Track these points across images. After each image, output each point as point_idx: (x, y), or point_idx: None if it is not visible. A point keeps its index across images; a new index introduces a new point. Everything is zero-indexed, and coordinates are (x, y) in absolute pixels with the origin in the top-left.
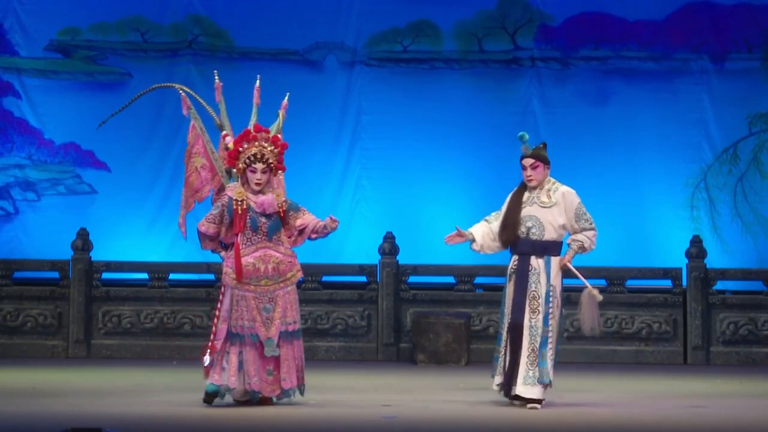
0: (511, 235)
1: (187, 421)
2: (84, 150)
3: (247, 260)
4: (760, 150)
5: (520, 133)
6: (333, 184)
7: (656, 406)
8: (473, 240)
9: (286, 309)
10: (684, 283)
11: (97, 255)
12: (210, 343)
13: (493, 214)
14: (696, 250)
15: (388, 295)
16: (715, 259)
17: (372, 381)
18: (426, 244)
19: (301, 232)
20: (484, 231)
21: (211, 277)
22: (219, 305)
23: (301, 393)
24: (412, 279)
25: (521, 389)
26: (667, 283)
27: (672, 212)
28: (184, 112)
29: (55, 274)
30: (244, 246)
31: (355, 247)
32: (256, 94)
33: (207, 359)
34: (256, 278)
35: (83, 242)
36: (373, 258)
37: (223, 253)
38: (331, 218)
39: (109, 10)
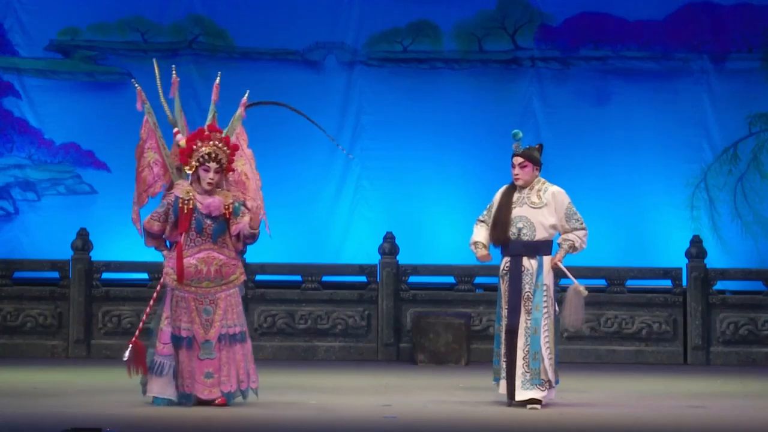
0: (501, 235)
1: (187, 421)
2: (84, 150)
3: (189, 261)
4: (760, 150)
5: (514, 131)
6: (333, 184)
7: (656, 406)
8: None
9: (227, 311)
10: (684, 283)
11: (97, 255)
12: (134, 339)
13: (484, 212)
14: (696, 250)
15: (388, 295)
16: (715, 259)
17: (372, 381)
18: (426, 244)
19: (237, 237)
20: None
21: None
22: (151, 303)
23: (256, 394)
24: (412, 279)
25: (519, 395)
26: (667, 283)
27: (672, 212)
28: (138, 106)
29: (55, 274)
30: (187, 247)
31: (355, 247)
32: (215, 90)
33: (127, 354)
34: (197, 280)
35: (83, 242)
36: (373, 258)
37: (165, 252)
38: (250, 220)
39: (109, 10)
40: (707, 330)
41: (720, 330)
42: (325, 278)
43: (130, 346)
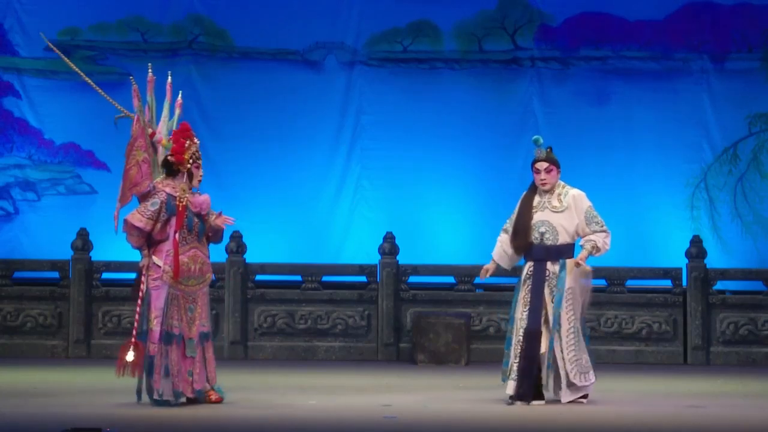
0: (522, 241)
1: (187, 421)
2: (84, 150)
3: (182, 259)
4: (760, 150)
5: (535, 137)
6: (333, 184)
7: (656, 406)
8: (498, 265)
9: (203, 310)
10: (684, 283)
11: (97, 255)
12: (133, 339)
13: (507, 221)
14: (696, 250)
15: (388, 295)
16: (715, 259)
17: (372, 381)
18: (426, 244)
19: (207, 237)
20: (503, 252)
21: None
22: (140, 302)
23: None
24: (412, 279)
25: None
26: (667, 283)
27: (672, 212)
28: (135, 104)
29: (55, 274)
30: (179, 245)
31: (355, 247)
32: (168, 89)
33: (131, 355)
34: (186, 278)
35: (83, 242)
36: (373, 258)
37: (145, 251)
38: (219, 215)
39: (109, 10)
40: (707, 330)
41: (720, 330)
42: (325, 278)
43: (132, 346)
